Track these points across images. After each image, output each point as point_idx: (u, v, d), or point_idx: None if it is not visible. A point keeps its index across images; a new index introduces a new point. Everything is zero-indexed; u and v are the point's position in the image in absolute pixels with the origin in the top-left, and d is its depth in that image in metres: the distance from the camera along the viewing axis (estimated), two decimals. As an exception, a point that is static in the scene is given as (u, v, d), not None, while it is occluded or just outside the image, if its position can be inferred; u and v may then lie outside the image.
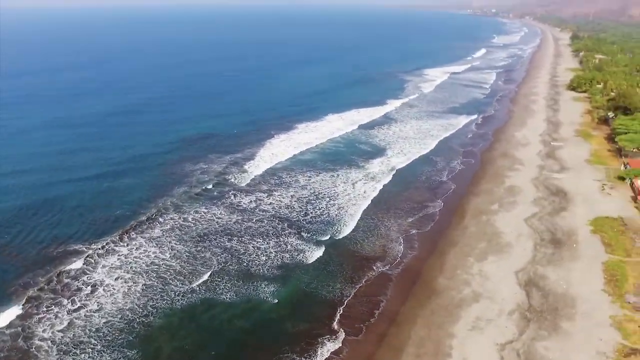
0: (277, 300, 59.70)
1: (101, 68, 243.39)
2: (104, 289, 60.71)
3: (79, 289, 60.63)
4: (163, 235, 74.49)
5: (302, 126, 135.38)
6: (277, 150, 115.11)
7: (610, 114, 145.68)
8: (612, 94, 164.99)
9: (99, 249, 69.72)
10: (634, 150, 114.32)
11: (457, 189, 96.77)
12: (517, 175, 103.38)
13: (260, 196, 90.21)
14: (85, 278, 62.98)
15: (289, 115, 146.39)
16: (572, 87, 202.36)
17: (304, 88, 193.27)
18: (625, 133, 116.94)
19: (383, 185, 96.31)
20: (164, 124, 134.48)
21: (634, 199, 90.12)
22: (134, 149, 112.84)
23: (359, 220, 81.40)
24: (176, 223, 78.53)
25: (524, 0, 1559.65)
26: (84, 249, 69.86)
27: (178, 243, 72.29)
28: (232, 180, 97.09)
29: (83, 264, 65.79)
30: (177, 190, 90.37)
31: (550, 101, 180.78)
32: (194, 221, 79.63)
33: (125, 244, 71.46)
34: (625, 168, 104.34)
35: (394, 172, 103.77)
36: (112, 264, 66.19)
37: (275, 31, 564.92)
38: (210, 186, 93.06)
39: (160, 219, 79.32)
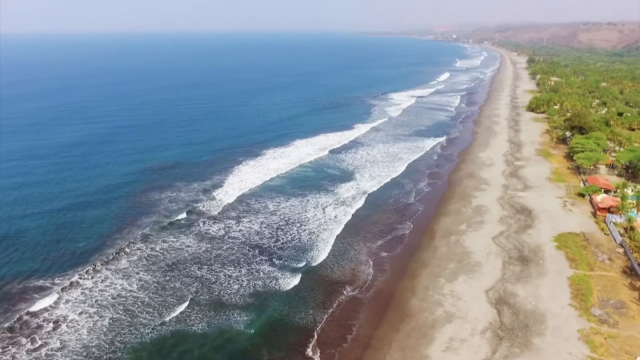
0: (251, 330, 58.60)
1: (68, 95, 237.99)
2: (67, 325, 58.22)
3: (40, 326, 57.97)
4: (130, 266, 72.44)
5: (270, 152, 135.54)
6: (246, 177, 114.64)
7: (568, 134, 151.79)
8: (568, 114, 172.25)
9: (62, 283, 67.11)
10: (591, 167, 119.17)
11: (426, 210, 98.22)
12: (484, 195, 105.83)
13: (229, 223, 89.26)
14: (46, 314, 60.34)
15: (257, 142, 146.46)
16: (531, 108, 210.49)
17: (272, 114, 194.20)
18: (582, 151, 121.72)
19: (354, 209, 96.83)
20: (130, 153, 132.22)
21: (594, 214, 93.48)
22: (100, 179, 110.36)
23: (332, 245, 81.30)
24: (144, 253, 76.61)
25: (482, 26, 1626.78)
26: (47, 284, 67.15)
27: (146, 274, 70.39)
28: (201, 208, 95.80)
29: (45, 300, 63.06)
30: (145, 220, 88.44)
31: (512, 122, 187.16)
32: (162, 251, 77.88)
33: (90, 277, 69.04)
34: (584, 185, 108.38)
35: (364, 195, 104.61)
36: (76, 298, 63.73)
37: (244, 57, 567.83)
38: (178, 215, 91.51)
39: (127, 250, 77.26)
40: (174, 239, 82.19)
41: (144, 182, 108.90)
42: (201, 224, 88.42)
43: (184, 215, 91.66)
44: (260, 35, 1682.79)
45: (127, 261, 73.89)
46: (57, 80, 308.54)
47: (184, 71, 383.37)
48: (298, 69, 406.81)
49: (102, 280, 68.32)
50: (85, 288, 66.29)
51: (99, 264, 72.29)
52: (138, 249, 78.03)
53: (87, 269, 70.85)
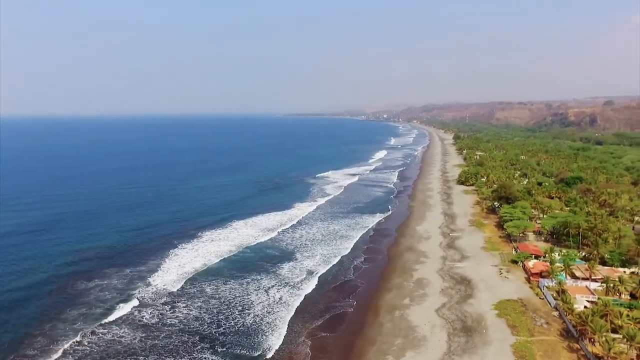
0: None
1: (8, 179, 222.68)
2: None
3: None
4: (53, 368, 65.39)
5: (208, 235, 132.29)
6: (183, 260, 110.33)
7: (496, 204, 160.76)
8: (495, 185, 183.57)
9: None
10: (520, 234, 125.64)
11: (369, 286, 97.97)
12: (424, 268, 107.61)
13: (164, 309, 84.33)
14: None
15: (196, 225, 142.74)
16: (461, 181, 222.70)
17: (211, 196, 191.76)
18: (511, 220, 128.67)
19: (298, 290, 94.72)
20: (63, 242, 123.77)
21: (528, 280, 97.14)
22: (28, 273, 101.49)
23: (282, 329, 78.16)
24: (70, 349, 69.86)
25: (410, 107, 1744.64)
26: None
27: (71, 376, 63.64)
28: (135, 295, 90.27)
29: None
30: (72, 314, 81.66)
31: (444, 195, 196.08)
32: (90, 345, 71.50)
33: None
34: (516, 252, 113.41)
35: (306, 275, 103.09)
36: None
37: (187, 140, 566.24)
38: (109, 304, 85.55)
39: (52, 347, 70.18)
40: (104, 330, 76.07)
41: (74, 273, 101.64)
42: (135, 312, 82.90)
43: (116, 304, 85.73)
44: (200, 117, 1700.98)
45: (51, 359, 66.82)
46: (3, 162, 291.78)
47: (126, 154, 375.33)
48: (239, 151, 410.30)
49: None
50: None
51: (16, 369, 64.77)
52: (64, 343, 71.09)
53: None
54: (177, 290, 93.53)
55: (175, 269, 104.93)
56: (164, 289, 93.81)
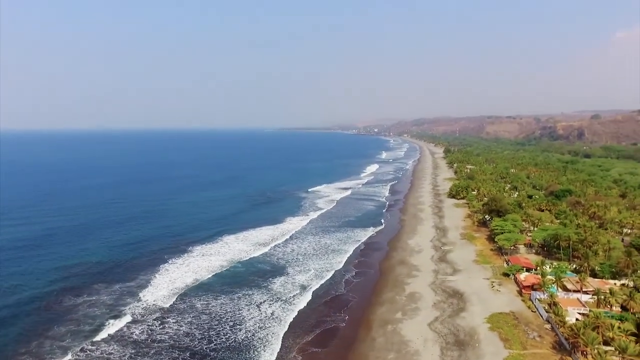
0: None
1: None
2: None
3: None
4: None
5: (199, 249, 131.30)
6: (173, 275, 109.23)
7: (487, 217, 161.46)
8: (485, 199, 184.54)
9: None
10: (511, 247, 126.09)
11: (361, 300, 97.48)
12: (416, 282, 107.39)
13: (154, 325, 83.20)
14: None
15: (187, 239, 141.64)
16: (452, 194, 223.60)
17: (203, 210, 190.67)
18: (502, 233, 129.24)
19: (290, 305, 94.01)
20: (48, 258, 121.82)
21: (520, 293, 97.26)
22: (14, 290, 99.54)
23: (280, 347, 77.20)
24: (56, 371, 68.43)
25: (400, 121, 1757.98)
26: None
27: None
28: (124, 311, 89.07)
29: None
30: (59, 330, 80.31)
31: (435, 208, 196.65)
32: (78, 366, 70.06)
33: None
34: (508, 265, 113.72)
35: (301, 290, 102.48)
36: None
37: (182, 154, 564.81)
38: (98, 320, 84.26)
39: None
40: (93, 348, 74.78)
41: (63, 289, 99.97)
42: (124, 329, 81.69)
43: (105, 320, 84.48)
44: (198, 132, 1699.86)
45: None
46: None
47: (121, 168, 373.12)
48: (232, 165, 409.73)
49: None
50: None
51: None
52: (50, 365, 69.76)
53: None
54: (168, 305, 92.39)
55: (165, 284, 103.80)
56: (154, 304, 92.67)
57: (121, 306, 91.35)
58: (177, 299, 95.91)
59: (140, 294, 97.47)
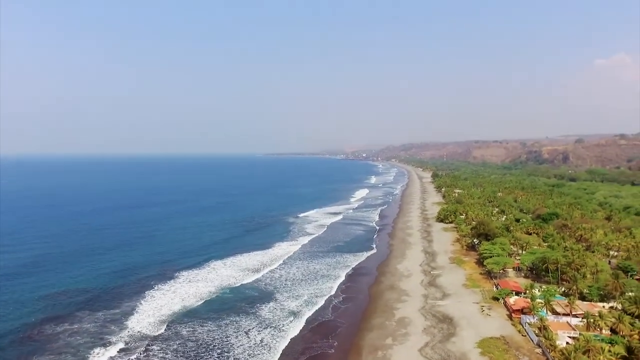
0: None
1: None
2: None
3: None
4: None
5: (185, 275, 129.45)
6: (160, 302, 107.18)
7: (475, 241, 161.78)
8: (473, 223, 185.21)
9: None
10: (500, 271, 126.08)
11: (350, 326, 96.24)
12: (405, 307, 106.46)
13: (139, 354, 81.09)
14: None
15: (173, 265, 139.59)
16: (440, 218, 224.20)
17: (189, 237, 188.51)
18: (491, 256, 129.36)
19: (280, 332, 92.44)
20: (31, 287, 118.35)
21: (510, 317, 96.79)
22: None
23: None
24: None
25: (388, 146, 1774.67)
26: None
27: None
28: (106, 339, 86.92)
29: None
30: (39, 363, 77.73)
31: (424, 233, 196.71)
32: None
33: None
34: (497, 289, 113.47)
35: (289, 315, 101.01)
36: None
37: (170, 179, 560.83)
38: (80, 350, 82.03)
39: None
40: (75, 383, 72.34)
41: (46, 318, 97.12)
42: (107, 358, 79.32)
43: (87, 349, 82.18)
44: (185, 157, 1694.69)
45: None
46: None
47: (111, 193, 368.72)
48: (220, 189, 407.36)
49: None
50: None
51: None
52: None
53: None
54: (153, 333, 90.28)
55: (151, 311, 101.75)
56: (138, 332, 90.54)
57: (106, 334, 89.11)
58: (163, 326, 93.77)
59: (126, 322, 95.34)
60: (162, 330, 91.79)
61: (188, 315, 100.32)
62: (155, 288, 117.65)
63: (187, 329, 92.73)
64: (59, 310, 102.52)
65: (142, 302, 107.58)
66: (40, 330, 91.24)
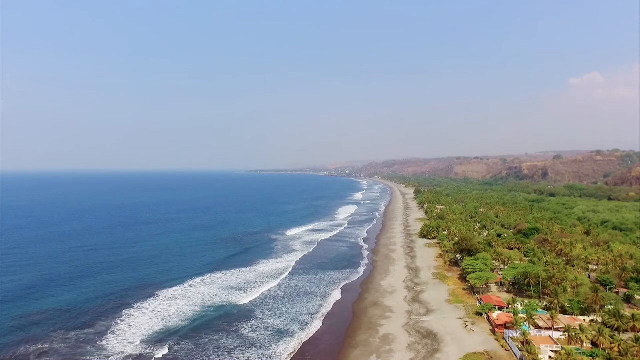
0: None
1: None
2: None
3: None
4: None
5: (165, 294, 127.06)
6: (139, 321, 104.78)
7: (458, 256, 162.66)
8: (456, 238, 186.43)
9: None
10: (483, 286, 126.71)
11: (334, 343, 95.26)
12: (389, 323, 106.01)
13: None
14: None
15: (153, 284, 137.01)
16: (423, 234, 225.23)
17: (172, 255, 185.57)
18: (473, 272, 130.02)
19: (264, 350, 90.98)
20: (6, 307, 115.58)
21: (493, 332, 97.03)
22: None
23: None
24: None
25: (371, 162, 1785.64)
26: None
27: None
28: (80, 359, 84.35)
29: None
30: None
31: (407, 249, 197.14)
32: None
33: None
34: (480, 304, 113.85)
35: (271, 334, 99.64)
36: None
37: (153, 196, 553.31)
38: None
39: None
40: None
41: (17, 340, 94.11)
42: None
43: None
44: (168, 174, 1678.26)
45: None
46: None
47: (95, 211, 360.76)
48: (203, 207, 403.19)
49: None
50: None
51: None
52: None
53: None
54: (127, 355, 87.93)
55: (128, 329, 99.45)
56: (113, 352, 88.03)
57: (78, 356, 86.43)
58: (139, 347, 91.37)
59: (101, 342, 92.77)
60: (137, 352, 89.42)
61: (171, 334, 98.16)
62: (134, 306, 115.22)
63: (165, 349, 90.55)
64: (34, 331, 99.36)
65: (118, 321, 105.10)
66: (14, 352, 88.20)
